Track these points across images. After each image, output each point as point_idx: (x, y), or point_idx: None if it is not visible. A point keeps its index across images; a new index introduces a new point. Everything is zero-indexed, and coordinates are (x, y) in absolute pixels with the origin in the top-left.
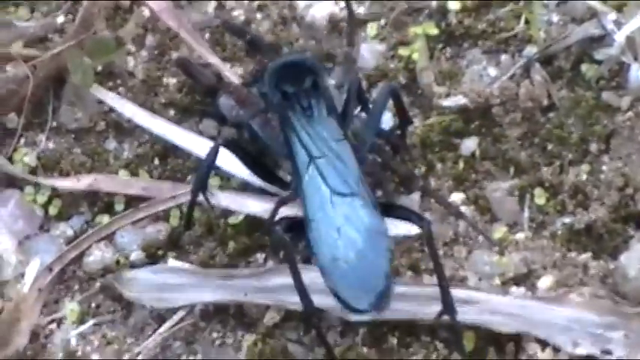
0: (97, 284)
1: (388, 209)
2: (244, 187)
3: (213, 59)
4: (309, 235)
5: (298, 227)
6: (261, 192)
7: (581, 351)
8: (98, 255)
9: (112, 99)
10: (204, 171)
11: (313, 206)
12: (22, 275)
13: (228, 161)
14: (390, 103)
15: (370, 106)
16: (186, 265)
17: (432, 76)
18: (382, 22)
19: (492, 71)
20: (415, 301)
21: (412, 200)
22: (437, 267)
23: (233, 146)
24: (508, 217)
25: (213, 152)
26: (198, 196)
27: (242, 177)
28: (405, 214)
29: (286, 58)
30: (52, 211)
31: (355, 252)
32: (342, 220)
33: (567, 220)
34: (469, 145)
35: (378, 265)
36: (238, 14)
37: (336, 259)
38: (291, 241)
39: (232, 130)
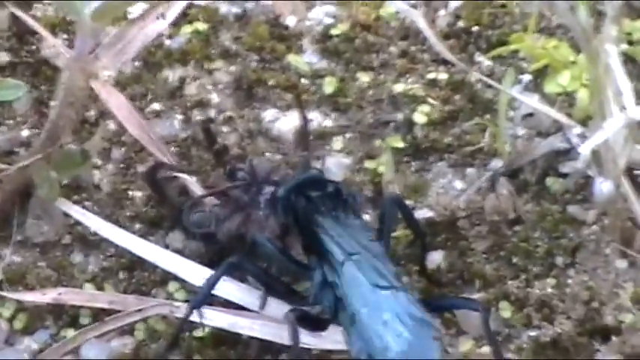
0: None
1: (441, 301)
2: (210, 301)
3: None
4: (352, 330)
5: (310, 323)
6: (226, 305)
7: None
8: None
9: (77, 212)
10: (205, 294)
11: (356, 301)
12: None
13: (195, 274)
14: None
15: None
16: None
17: (398, 190)
18: (348, 135)
19: (458, 184)
20: None
21: None
22: (496, 351)
23: (243, 267)
24: (474, 330)
25: (218, 276)
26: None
27: None
28: (461, 303)
29: (309, 174)
30: (17, 325)
31: (403, 343)
32: (388, 312)
33: (533, 333)
34: (435, 258)
35: (427, 355)
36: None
37: (385, 351)
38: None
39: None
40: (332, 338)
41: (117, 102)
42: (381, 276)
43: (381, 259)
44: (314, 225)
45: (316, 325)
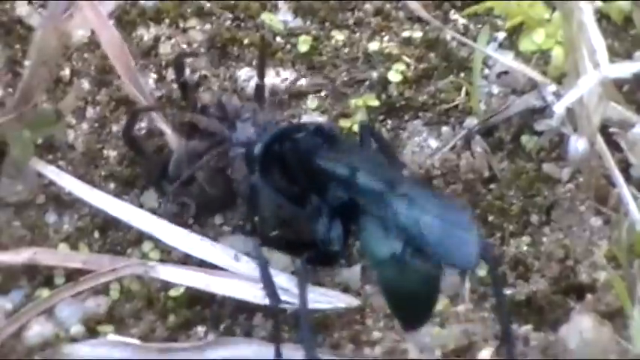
0: (37, 358)
1: None
2: (185, 260)
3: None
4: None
5: (321, 260)
6: (201, 264)
7: None
8: (38, 329)
9: (51, 172)
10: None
11: (414, 213)
12: None
13: (169, 234)
14: None
15: None
16: (126, 339)
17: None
18: (323, 93)
19: (433, 143)
20: None
21: (353, 273)
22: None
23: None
24: (449, 289)
25: None
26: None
27: (182, 250)
28: None
29: (279, 128)
30: None
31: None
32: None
33: (508, 291)
34: None
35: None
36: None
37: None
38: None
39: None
40: (310, 298)
41: (109, 36)
42: (395, 181)
43: (385, 168)
44: (315, 161)
45: (328, 260)
